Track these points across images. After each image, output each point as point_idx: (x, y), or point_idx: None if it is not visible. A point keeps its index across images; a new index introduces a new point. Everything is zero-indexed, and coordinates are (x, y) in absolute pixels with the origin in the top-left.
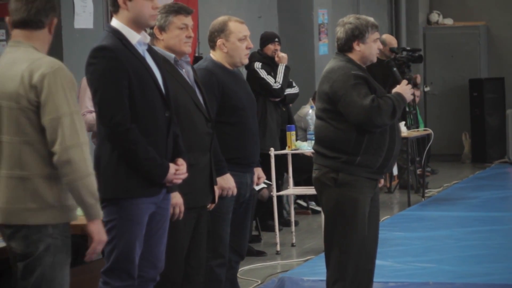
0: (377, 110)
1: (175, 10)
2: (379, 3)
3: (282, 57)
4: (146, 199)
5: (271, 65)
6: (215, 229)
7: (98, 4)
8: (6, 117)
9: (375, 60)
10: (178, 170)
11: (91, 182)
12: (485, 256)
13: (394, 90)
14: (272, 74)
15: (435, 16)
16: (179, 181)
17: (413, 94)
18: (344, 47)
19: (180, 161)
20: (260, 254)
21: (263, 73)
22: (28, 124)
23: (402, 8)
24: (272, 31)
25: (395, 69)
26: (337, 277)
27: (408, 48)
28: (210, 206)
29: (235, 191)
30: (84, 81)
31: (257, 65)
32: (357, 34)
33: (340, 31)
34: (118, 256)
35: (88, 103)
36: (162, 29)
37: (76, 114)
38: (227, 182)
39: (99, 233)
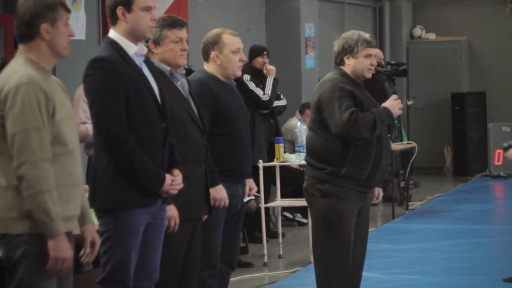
0: (354, 124)
1: (169, 24)
2: (364, 17)
3: (271, 69)
4: (142, 210)
5: (259, 78)
6: (207, 240)
7: (91, 15)
8: None
9: (368, 75)
10: (174, 181)
11: (44, 200)
12: (469, 268)
13: (382, 105)
14: (261, 86)
15: (418, 31)
16: (175, 191)
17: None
18: (336, 60)
19: (176, 171)
20: (247, 265)
21: (251, 85)
22: (2, 136)
23: (386, 23)
24: (261, 44)
25: (386, 83)
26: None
27: (393, 62)
28: (204, 217)
29: (227, 202)
30: (77, 93)
31: (246, 77)
32: (346, 48)
33: (336, 45)
34: (114, 266)
35: (81, 115)
36: (156, 43)
37: (36, 130)
38: (219, 193)
39: (55, 250)
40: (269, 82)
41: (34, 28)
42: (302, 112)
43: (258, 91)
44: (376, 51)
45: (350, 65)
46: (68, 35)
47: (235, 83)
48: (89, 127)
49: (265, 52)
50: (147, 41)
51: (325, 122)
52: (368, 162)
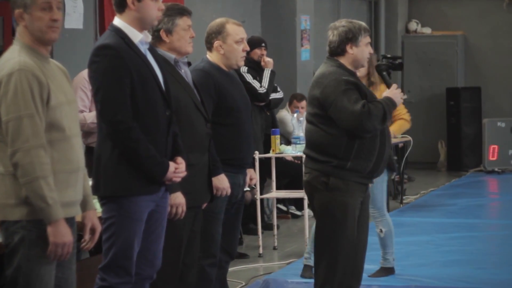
0: (367, 115)
1: (179, 12)
2: (359, 11)
3: (268, 62)
4: (145, 197)
5: (256, 70)
6: (207, 229)
7: (88, 4)
8: None
9: (365, 64)
10: (178, 169)
11: (39, 186)
12: (465, 261)
13: (384, 94)
14: (258, 78)
15: (413, 25)
16: (178, 179)
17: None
18: (337, 50)
19: (179, 159)
20: (242, 256)
21: (249, 77)
22: None
23: (381, 17)
24: (259, 36)
25: (385, 73)
26: (325, 280)
27: (389, 56)
28: (203, 205)
29: (229, 191)
30: (75, 81)
31: (243, 69)
32: (350, 37)
33: (332, 34)
34: (116, 253)
35: (79, 103)
36: (168, 31)
37: (29, 117)
38: (221, 183)
39: (55, 236)
40: (266, 75)
41: (14, 14)
42: (290, 103)
43: (255, 84)
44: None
45: (353, 54)
46: (49, 19)
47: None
48: (86, 116)
49: (263, 44)
50: (158, 30)
51: (328, 116)
52: (373, 153)
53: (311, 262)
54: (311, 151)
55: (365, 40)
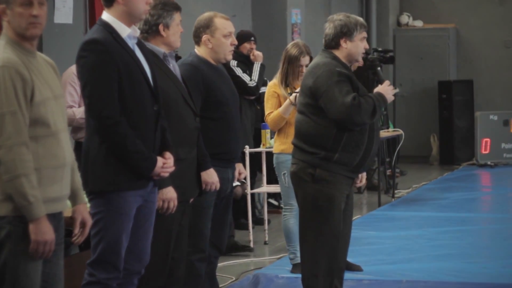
0: (357, 109)
1: (175, 7)
2: (350, 4)
3: (258, 55)
4: (133, 192)
5: (246, 63)
6: (196, 224)
7: None
8: None
9: (360, 59)
10: (166, 164)
11: (20, 184)
12: (456, 255)
13: (375, 90)
14: (248, 72)
15: (405, 18)
16: (167, 174)
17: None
18: (331, 43)
19: (168, 154)
20: (245, 249)
21: (238, 71)
22: None
23: (373, 10)
24: (248, 30)
25: (379, 68)
26: (311, 273)
27: (380, 49)
28: (191, 200)
29: (218, 186)
30: (64, 76)
31: (233, 63)
32: (345, 32)
33: (329, 27)
34: (105, 248)
35: (68, 98)
36: (166, 26)
37: (11, 114)
38: (210, 177)
39: (36, 234)
40: (256, 68)
41: None
42: None
43: (245, 77)
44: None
45: (346, 48)
46: (29, 15)
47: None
48: (75, 111)
49: (252, 38)
50: (156, 25)
51: (319, 107)
52: (360, 148)
53: (298, 260)
54: (300, 141)
55: (360, 35)
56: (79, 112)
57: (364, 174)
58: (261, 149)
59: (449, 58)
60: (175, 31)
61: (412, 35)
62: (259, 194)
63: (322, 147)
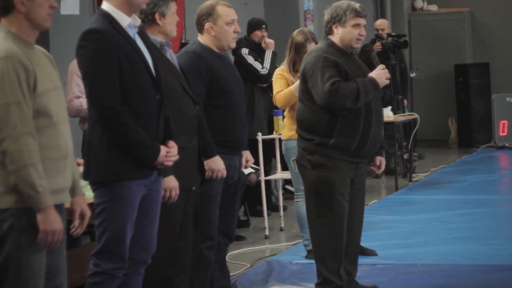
0: (335, 94)
1: None
2: None
3: (269, 43)
4: (137, 182)
5: (258, 51)
6: (204, 212)
7: None
8: None
9: (356, 46)
10: (169, 152)
11: (28, 173)
12: (472, 238)
13: (369, 75)
14: (259, 60)
15: (419, 3)
16: (170, 163)
17: (389, 79)
18: (326, 29)
19: (171, 143)
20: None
21: (250, 59)
22: None
23: None
24: (259, 17)
25: (373, 53)
26: (320, 258)
27: (393, 34)
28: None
29: (224, 173)
30: (71, 67)
31: (244, 51)
32: (335, 17)
33: (326, 14)
34: (109, 238)
35: (75, 89)
36: (162, 15)
37: (16, 104)
38: (216, 164)
39: (44, 223)
40: (268, 56)
41: (10, 0)
42: None
43: (257, 65)
44: (364, 22)
45: (338, 34)
46: (48, 6)
47: (233, 57)
48: (83, 101)
49: (263, 26)
50: (152, 13)
51: (310, 92)
52: (356, 132)
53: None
54: (299, 129)
55: (352, 21)
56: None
57: (383, 160)
58: (274, 135)
59: (465, 41)
60: (171, 20)
61: (427, 20)
62: (275, 180)
63: (317, 133)
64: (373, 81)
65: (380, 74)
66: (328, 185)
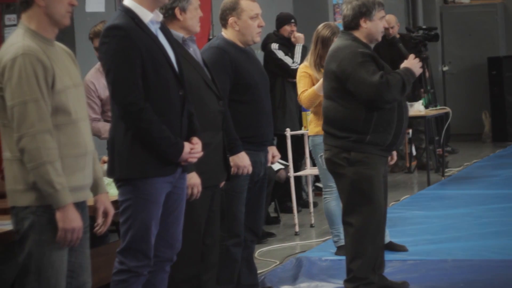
0: (386, 86)
1: None
2: None
3: (299, 37)
4: (161, 179)
5: (288, 46)
6: (230, 209)
7: None
8: None
9: (380, 38)
10: (193, 149)
11: (46, 171)
12: (503, 233)
13: (402, 65)
14: (289, 54)
15: None
16: (194, 160)
17: (422, 67)
18: (350, 24)
19: (195, 139)
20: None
21: (280, 54)
22: (3, 108)
23: None
24: (288, 12)
25: (400, 44)
26: (355, 255)
27: (424, 27)
28: (221, 184)
29: (250, 169)
30: (84, 84)
31: (274, 46)
32: (364, 11)
33: (346, 9)
34: (134, 236)
35: (89, 111)
36: (183, 10)
37: (34, 102)
38: (242, 161)
39: (63, 221)
40: (298, 50)
41: None
42: None
43: (287, 60)
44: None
45: (367, 28)
46: (68, 3)
47: (263, 53)
48: (101, 129)
49: (292, 20)
50: (172, 8)
51: (345, 90)
52: (391, 126)
53: (342, 242)
54: (330, 127)
55: (379, 14)
56: (106, 130)
57: (395, 152)
58: (303, 131)
59: (498, 34)
60: (193, 15)
61: (459, 12)
62: (306, 177)
63: (353, 130)
64: (410, 71)
65: (413, 63)
66: (367, 181)
